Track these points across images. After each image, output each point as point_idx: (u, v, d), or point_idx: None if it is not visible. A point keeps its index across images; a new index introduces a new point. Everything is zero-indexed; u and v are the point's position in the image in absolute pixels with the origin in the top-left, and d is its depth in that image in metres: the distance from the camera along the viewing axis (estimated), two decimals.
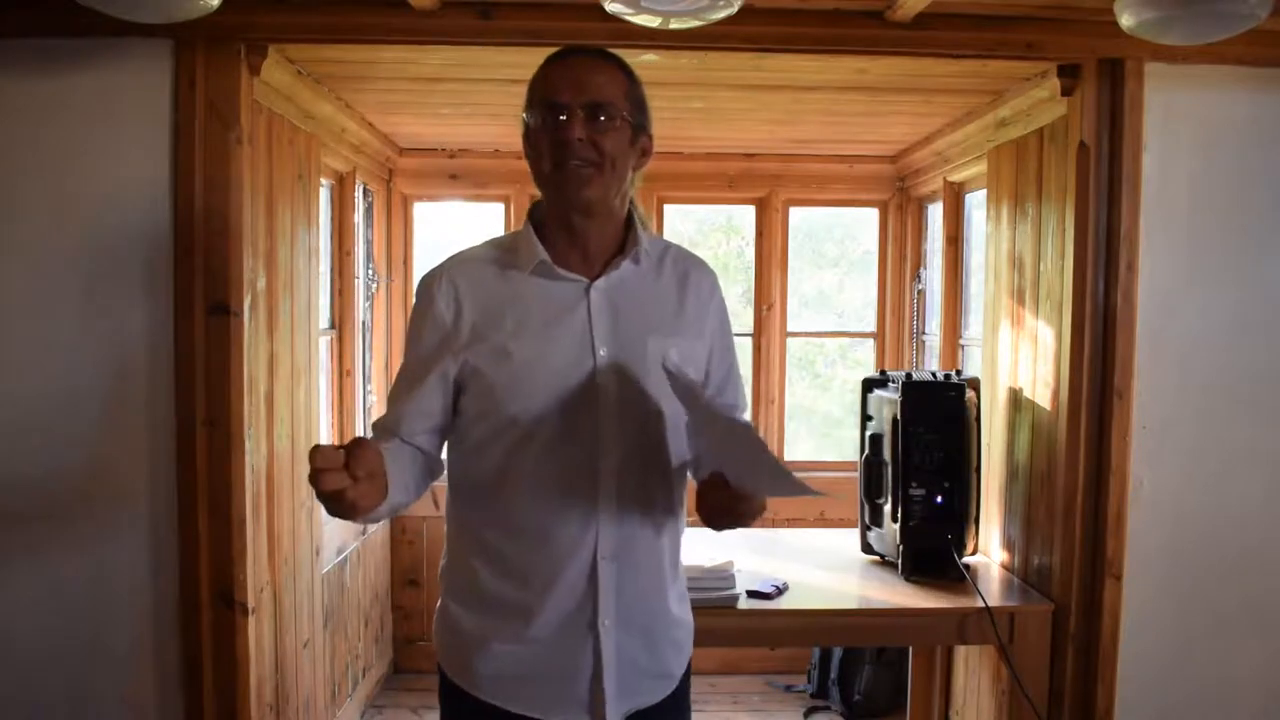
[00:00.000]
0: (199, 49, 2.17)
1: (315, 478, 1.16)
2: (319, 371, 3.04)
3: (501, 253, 1.49)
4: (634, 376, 1.43)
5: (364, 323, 3.73)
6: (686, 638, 1.57)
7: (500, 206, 4.04)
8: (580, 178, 1.38)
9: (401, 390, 1.48)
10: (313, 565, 2.88)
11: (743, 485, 1.35)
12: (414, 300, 1.52)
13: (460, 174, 3.96)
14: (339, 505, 1.20)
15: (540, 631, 1.43)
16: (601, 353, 1.42)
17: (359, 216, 3.67)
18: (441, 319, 1.44)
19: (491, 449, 1.43)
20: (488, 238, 1.56)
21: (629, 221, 1.50)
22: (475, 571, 1.46)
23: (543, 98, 1.40)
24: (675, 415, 1.45)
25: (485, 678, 1.45)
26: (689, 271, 1.55)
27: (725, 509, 1.39)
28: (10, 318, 2.20)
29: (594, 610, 1.43)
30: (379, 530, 3.83)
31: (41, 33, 2.16)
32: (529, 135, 1.43)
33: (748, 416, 1.66)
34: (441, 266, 1.50)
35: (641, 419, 1.44)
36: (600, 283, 1.45)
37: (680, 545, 1.56)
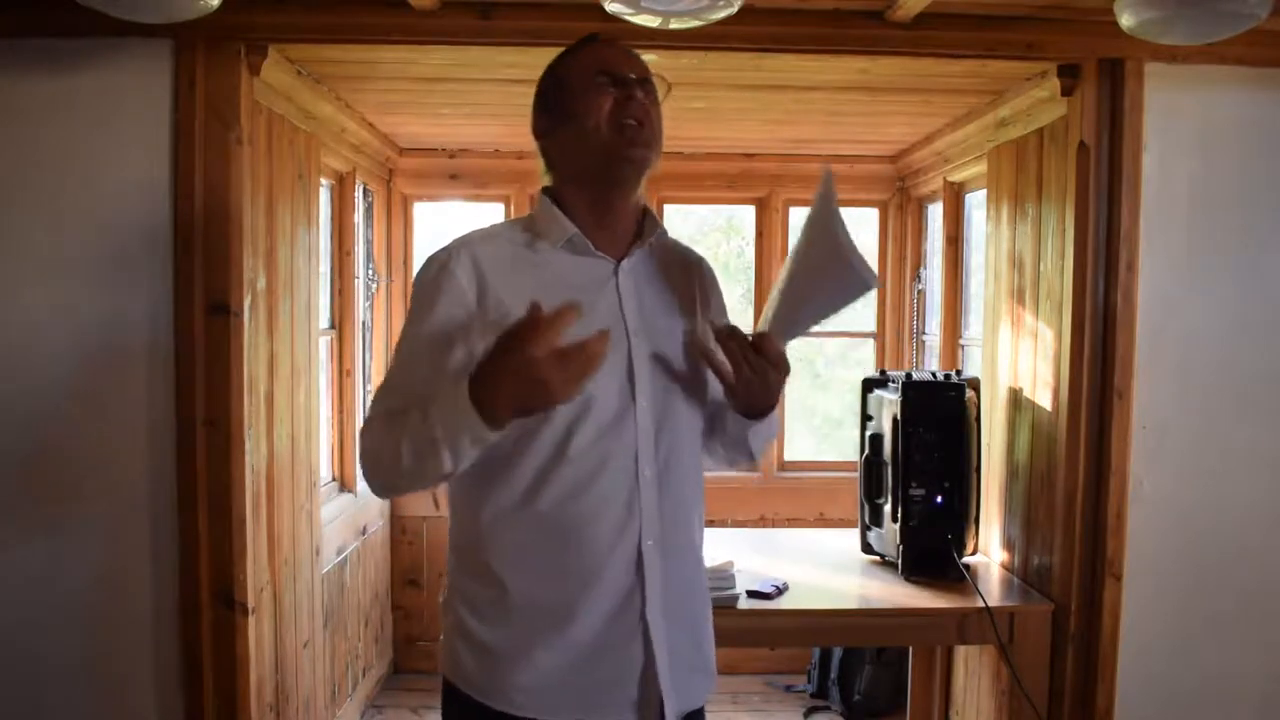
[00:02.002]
0: (199, 49, 2.17)
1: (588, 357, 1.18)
2: (319, 371, 3.04)
3: (521, 231, 1.45)
4: (667, 357, 1.42)
5: (364, 323, 3.73)
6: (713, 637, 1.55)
7: (500, 207, 4.04)
8: (643, 141, 1.39)
9: (416, 365, 1.36)
10: (313, 565, 2.88)
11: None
12: (420, 277, 1.41)
13: (460, 174, 3.96)
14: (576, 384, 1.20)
15: (584, 633, 1.35)
16: (635, 334, 1.40)
17: (359, 216, 3.67)
18: (463, 293, 1.36)
19: (525, 442, 1.34)
20: (500, 221, 1.54)
21: (644, 209, 1.50)
22: (502, 580, 1.37)
23: (602, 69, 1.40)
24: (698, 391, 1.46)
25: (525, 691, 1.36)
26: (691, 260, 1.57)
27: (761, 376, 1.40)
28: (10, 318, 2.20)
29: (642, 602, 1.36)
30: (379, 530, 3.83)
31: (41, 33, 2.16)
32: (578, 102, 1.39)
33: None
34: (456, 243, 1.41)
35: (674, 401, 1.43)
36: (626, 263, 1.44)
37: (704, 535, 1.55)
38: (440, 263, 1.39)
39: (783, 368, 1.42)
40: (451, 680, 1.43)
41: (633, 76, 1.41)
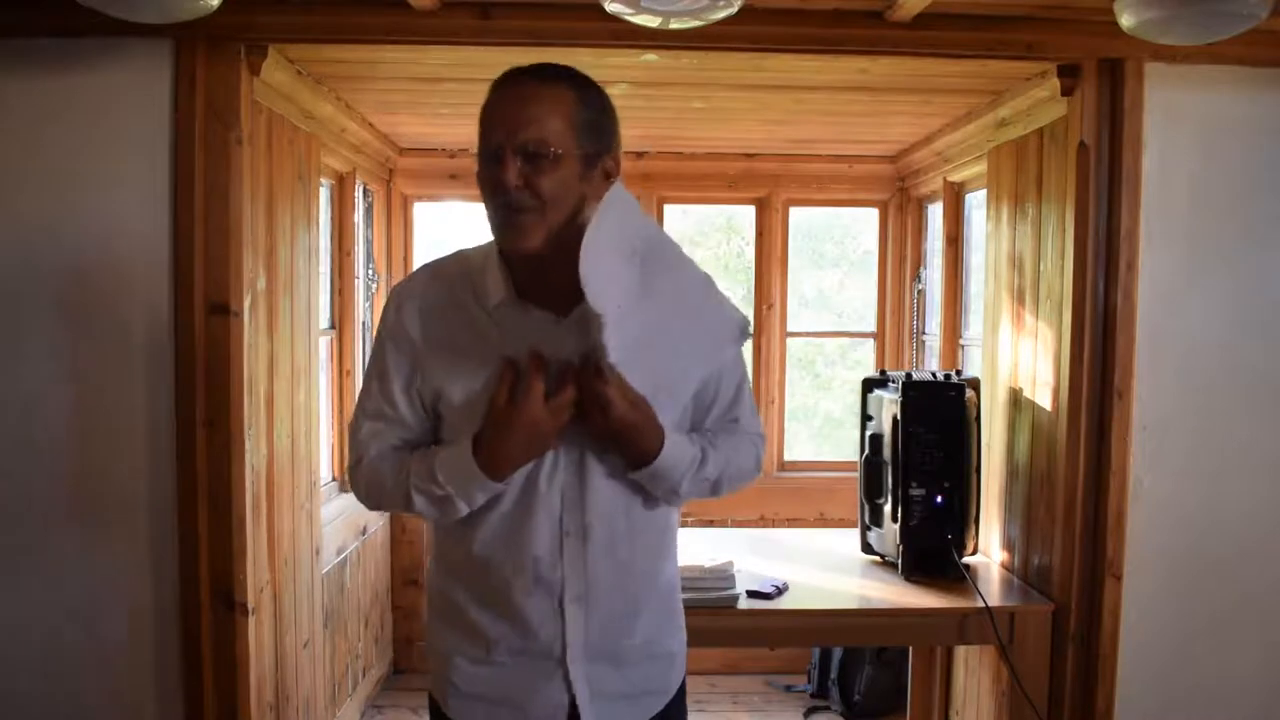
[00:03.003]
0: (199, 49, 2.17)
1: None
2: (319, 371, 3.04)
3: (469, 274, 1.41)
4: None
5: (364, 323, 3.73)
6: (679, 649, 1.53)
7: None
8: (518, 227, 1.29)
9: (379, 414, 1.43)
10: (313, 565, 2.88)
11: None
12: (382, 319, 1.45)
13: (460, 174, 3.95)
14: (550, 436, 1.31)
15: (504, 657, 1.41)
16: (570, 391, 1.33)
17: (359, 216, 3.67)
18: (407, 343, 1.40)
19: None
20: (462, 248, 1.48)
21: None
22: (450, 602, 1.45)
23: (480, 137, 1.32)
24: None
25: (454, 696, 1.45)
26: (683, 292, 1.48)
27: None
28: (9, 318, 2.20)
29: (562, 651, 1.40)
30: (379, 530, 3.83)
31: (41, 33, 2.15)
32: (478, 174, 1.35)
33: (757, 430, 1.58)
34: (413, 282, 1.45)
35: (612, 458, 1.38)
36: (565, 321, 1.36)
37: (671, 560, 1.51)
38: (394, 307, 1.43)
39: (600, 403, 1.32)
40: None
41: (507, 146, 1.28)
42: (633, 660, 1.45)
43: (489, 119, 1.32)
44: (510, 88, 1.33)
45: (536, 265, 1.34)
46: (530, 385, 1.30)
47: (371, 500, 1.46)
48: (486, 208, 1.33)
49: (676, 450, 1.38)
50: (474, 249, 1.46)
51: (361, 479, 1.45)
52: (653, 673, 1.49)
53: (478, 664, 1.43)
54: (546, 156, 1.28)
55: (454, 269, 1.45)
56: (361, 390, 1.47)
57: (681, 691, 1.55)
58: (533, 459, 1.33)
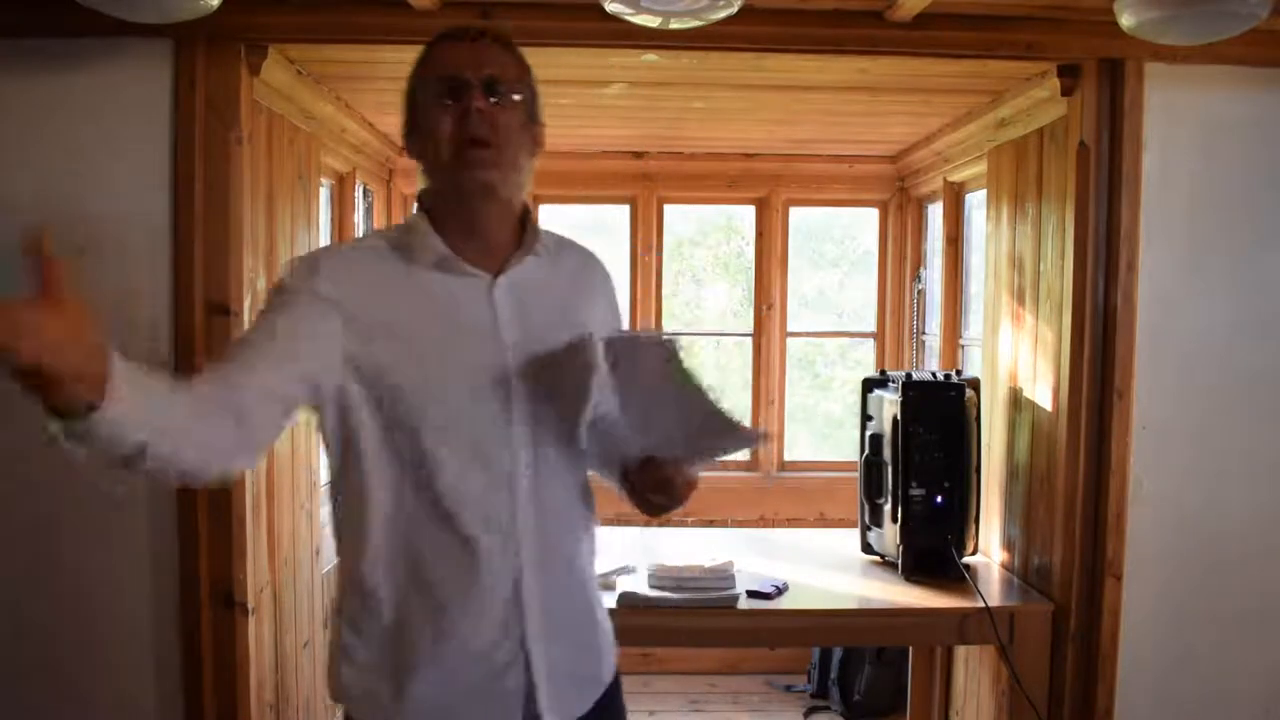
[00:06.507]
0: (199, 49, 2.17)
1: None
2: None
3: (390, 245, 1.36)
4: (547, 375, 1.34)
5: None
6: (611, 639, 1.51)
7: None
8: (482, 159, 1.29)
9: (242, 344, 1.29)
10: (313, 565, 2.88)
11: (674, 449, 1.33)
12: (279, 281, 1.33)
13: None
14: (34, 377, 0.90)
15: (462, 657, 1.31)
16: (511, 351, 1.33)
17: (359, 216, 3.66)
18: (326, 303, 1.27)
19: (393, 467, 1.30)
20: (371, 230, 1.47)
21: (524, 214, 1.41)
22: (380, 600, 1.32)
23: (441, 75, 1.30)
24: (589, 411, 1.36)
25: (406, 713, 1.32)
26: (583, 263, 1.49)
27: (661, 484, 1.35)
28: None
29: (522, 629, 1.33)
30: None
31: (41, 32, 2.15)
32: (424, 118, 1.32)
33: None
34: (321, 252, 1.37)
35: (557, 420, 1.35)
36: (503, 279, 1.36)
37: (596, 548, 1.49)
38: (306, 264, 1.33)
39: (690, 487, 1.37)
40: (339, 702, 1.38)
41: (473, 80, 1.29)
42: (587, 636, 1.44)
43: (445, 62, 1.32)
44: (464, 37, 1.34)
45: (469, 221, 1.35)
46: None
47: None
48: (436, 146, 1.31)
49: None
50: (375, 231, 1.42)
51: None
52: (595, 657, 1.46)
53: (431, 671, 1.33)
54: (507, 94, 1.31)
55: (367, 241, 1.41)
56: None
57: (616, 684, 1.51)
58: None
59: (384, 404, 1.29)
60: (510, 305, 1.35)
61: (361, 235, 1.46)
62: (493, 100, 1.30)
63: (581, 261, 1.50)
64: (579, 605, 1.43)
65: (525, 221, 1.41)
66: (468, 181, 1.32)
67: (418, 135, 1.35)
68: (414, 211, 1.40)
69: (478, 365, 1.32)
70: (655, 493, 1.39)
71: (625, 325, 1.53)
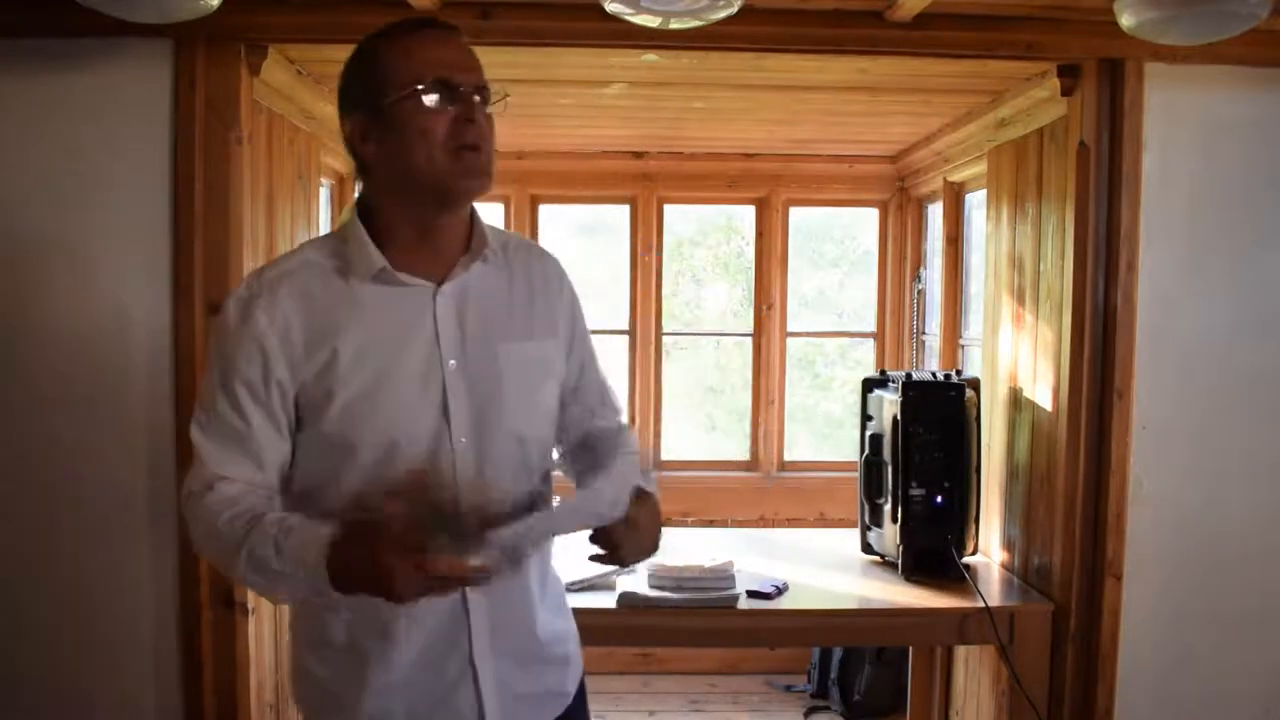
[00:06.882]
0: (199, 49, 2.17)
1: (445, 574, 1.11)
2: None
3: (328, 256, 1.32)
4: (486, 389, 1.31)
5: None
6: (574, 650, 1.48)
7: (500, 207, 4.04)
8: (481, 166, 1.27)
9: (229, 434, 1.27)
10: None
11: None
12: (220, 324, 1.31)
13: None
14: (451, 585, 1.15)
15: (412, 671, 1.30)
16: (451, 364, 1.29)
17: None
18: (265, 343, 1.26)
19: (333, 485, 1.28)
20: (307, 241, 1.40)
21: (471, 217, 1.37)
22: (326, 620, 1.33)
23: (438, 75, 1.25)
24: (532, 426, 1.36)
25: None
26: (534, 264, 1.44)
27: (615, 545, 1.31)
28: (8, 319, 2.20)
29: (469, 647, 1.31)
30: None
31: (41, 32, 2.15)
32: (410, 116, 1.25)
33: (622, 414, 1.56)
34: (258, 282, 1.30)
35: (497, 434, 1.31)
36: (447, 287, 1.32)
37: (550, 557, 1.46)
38: (243, 305, 1.29)
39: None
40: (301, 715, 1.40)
41: (471, 89, 1.26)
42: (535, 650, 1.40)
43: (443, 60, 1.27)
44: (447, 34, 1.31)
45: (424, 228, 1.31)
46: (389, 533, 1.12)
47: (199, 542, 1.29)
48: (429, 150, 1.25)
49: (651, 482, 1.38)
50: (311, 242, 1.40)
51: (191, 511, 1.28)
52: (553, 670, 1.44)
53: (379, 688, 1.33)
54: (487, 102, 1.30)
55: (304, 255, 1.34)
56: (201, 404, 1.30)
57: (582, 694, 1.49)
58: (380, 597, 1.14)
59: (324, 419, 1.27)
60: (452, 314, 1.32)
61: (298, 247, 1.41)
62: (484, 104, 1.29)
63: (534, 262, 1.44)
64: (531, 619, 1.39)
65: (473, 225, 1.37)
66: (462, 187, 1.29)
67: (394, 134, 1.27)
68: (350, 218, 1.34)
69: (416, 376, 1.29)
70: (615, 551, 1.33)
71: (585, 322, 1.50)
